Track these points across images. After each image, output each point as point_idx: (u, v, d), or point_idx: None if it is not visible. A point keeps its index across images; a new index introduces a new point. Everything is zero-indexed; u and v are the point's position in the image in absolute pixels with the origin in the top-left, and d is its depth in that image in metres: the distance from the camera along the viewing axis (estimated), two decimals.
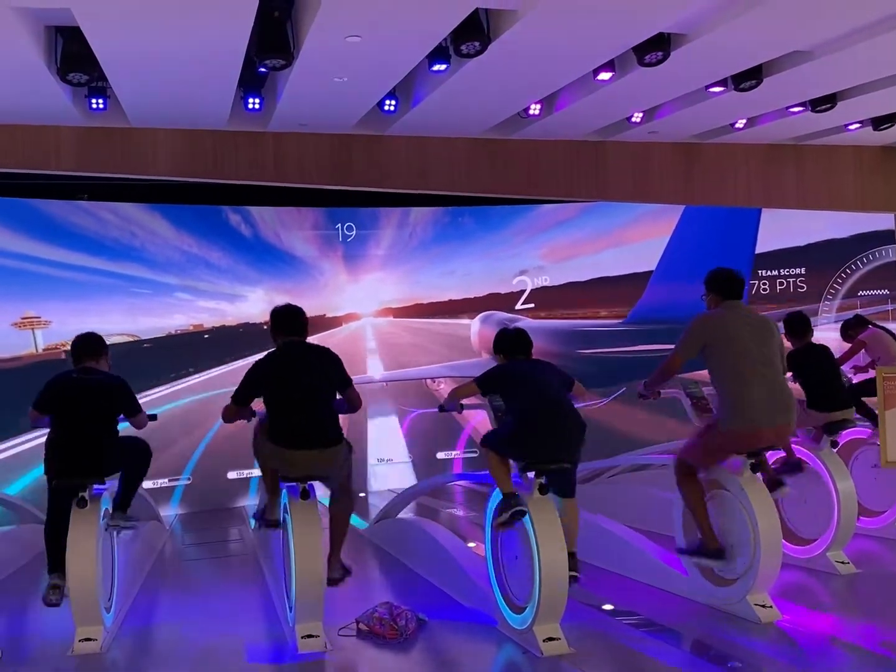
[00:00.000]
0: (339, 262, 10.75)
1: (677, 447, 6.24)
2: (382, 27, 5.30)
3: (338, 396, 5.24)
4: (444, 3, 5.01)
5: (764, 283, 11.36)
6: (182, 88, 6.34)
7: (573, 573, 4.82)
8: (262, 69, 5.74)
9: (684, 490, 5.38)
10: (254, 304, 10.32)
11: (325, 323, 10.71)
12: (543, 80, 6.65)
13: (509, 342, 5.25)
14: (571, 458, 4.95)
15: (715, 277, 5.44)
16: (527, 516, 4.78)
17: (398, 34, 5.42)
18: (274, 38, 5.51)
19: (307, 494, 5.03)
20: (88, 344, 5.51)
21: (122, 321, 9.76)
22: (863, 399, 7.03)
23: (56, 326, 9.37)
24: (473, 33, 5.50)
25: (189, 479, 9.72)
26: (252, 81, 6.68)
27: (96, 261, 9.56)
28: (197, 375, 10.00)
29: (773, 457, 6.34)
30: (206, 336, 10.12)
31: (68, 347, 9.31)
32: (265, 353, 5.29)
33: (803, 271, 11.36)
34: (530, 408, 4.90)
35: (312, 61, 5.79)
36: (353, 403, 5.29)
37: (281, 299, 10.61)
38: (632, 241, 11.46)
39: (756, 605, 5.13)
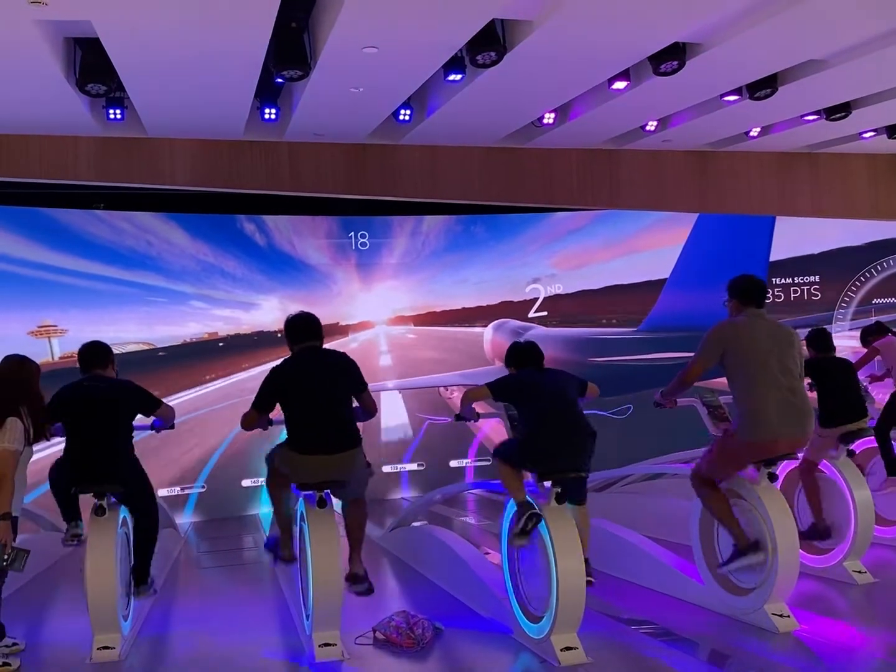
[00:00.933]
0: (353, 271, 10.79)
1: (692, 455, 6.24)
2: (399, 38, 5.33)
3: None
4: (461, 14, 5.03)
5: (778, 291, 11.34)
6: (199, 99, 6.38)
7: (588, 578, 4.82)
8: (280, 80, 5.76)
9: (707, 502, 5.35)
10: (268, 312, 10.37)
11: (339, 331, 10.75)
12: (558, 90, 6.66)
13: (520, 355, 5.27)
14: (585, 467, 4.97)
15: (738, 284, 5.38)
16: (544, 526, 4.79)
17: (415, 45, 5.45)
18: (291, 49, 5.55)
19: (324, 503, 5.04)
20: (96, 353, 5.49)
21: (138, 329, 9.82)
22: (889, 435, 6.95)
23: (72, 335, 9.42)
24: (489, 43, 5.52)
25: (203, 486, 9.75)
26: (268, 91, 6.72)
27: (112, 270, 9.62)
28: (212, 384, 10.04)
29: (785, 468, 6.36)
30: (220, 344, 10.17)
31: None
32: (282, 359, 5.35)
33: (817, 279, 11.34)
34: (543, 418, 4.91)
35: (329, 72, 5.83)
36: (368, 408, 5.31)
37: (295, 307, 10.60)
38: (645, 248, 11.46)
39: (774, 614, 5.10)
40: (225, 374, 10.10)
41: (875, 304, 11.26)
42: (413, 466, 10.70)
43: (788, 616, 5.12)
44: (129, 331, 9.77)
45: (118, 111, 6.66)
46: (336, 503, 5.23)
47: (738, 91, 6.92)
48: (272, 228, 10.37)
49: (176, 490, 9.66)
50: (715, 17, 5.44)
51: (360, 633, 5.28)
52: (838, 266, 11.31)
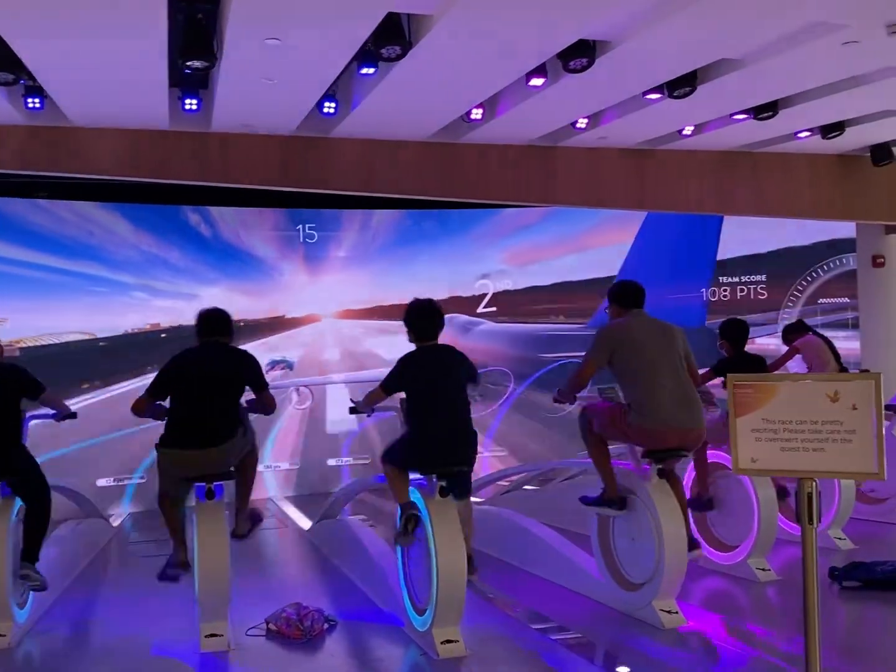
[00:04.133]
0: (300, 263, 10.79)
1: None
2: (298, 30, 5.32)
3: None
4: (356, 7, 5.02)
5: (724, 290, 11.37)
6: (114, 89, 6.35)
7: (470, 577, 4.85)
8: (187, 71, 5.75)
9: (588, 440, 5.49)
10: (211, 303, 10.07)
11: (285, 323, 10.75)
12: (474, 85, 6.64)
13: (421, 316, 5.15)
14: (469, 462, 5.00)
15: (616, 290, 5.60)
16: (426, 519, 4.81)
17: (316, 38, 5.43)
18: (196, 40, 5.54)
19: (212, 494, 5.07)
20: None
21: (78, 319, 9.80)
22: None
23: (11, 324, 9.41)
24: (393, 37, 5.52)
25: (143, 476, 9.73)
26: (189, 82, 6.71)
27: (52, 259, 9.60)
28: (153, 374, 10.00)
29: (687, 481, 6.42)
30: (162, 335, 10.15)
31: (23, 344, 9.50)
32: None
33: (764, 278, 11.37)
34: (428, 412, 4.92)
35: (236, 63, 5.82)
36: (265, 406, 5.36)
37: (240, 299, 10.75)
38: (594, 245, 11.50)
39: (661, 610, 5.14)
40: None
41: (821, 303, 11.30)
42: (358, 459, 10.70)
43: (676, 612, 5.16)
44: (70, 320, 9.77)
45: (36, 100, 6.62)
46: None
47: (659, 89, 6.91)
48: (218, 219, 10.36)
49: (113, 480, 9.66)
50: (618, 14, 5.43)
51: (254, 625, 5.31)
52: (785, 265, 11.33)
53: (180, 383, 5.10)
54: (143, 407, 5.22)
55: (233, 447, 5.10)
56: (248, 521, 5.41)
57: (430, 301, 5.31)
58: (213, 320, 5.31)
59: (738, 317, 7.40)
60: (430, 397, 4.96)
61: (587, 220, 11.30)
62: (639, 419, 5.14)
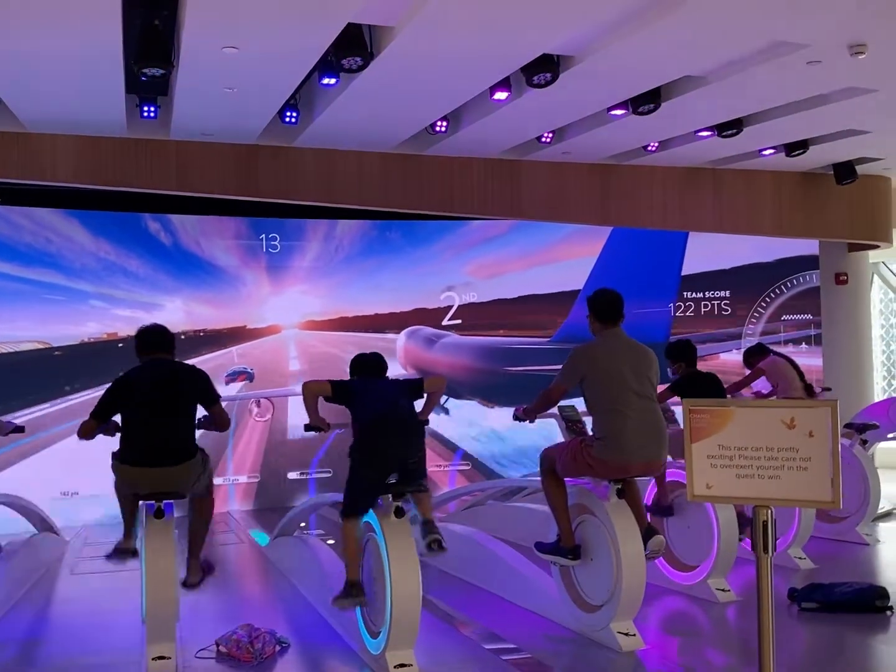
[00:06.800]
0: (263, 273, 10.65)
1: None
2: (256, 39, 5.23)
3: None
4: (315, 18, 4.94)
5: (689, 305, 11.38)
6: (70, 95, 6.22)
7: (435, 536, 4.77)
8: (143, 78, 5.63)
9: (547, 486, 5.38)
10: (171, 313, 10.16)
11: (247, 334, 10.61)
12: (437, 98, 6.58)
13: (364, 365, 5.19)
14: (415, 459, 4.89)
15: (595, 302, 5.36)
16: (381, 539, 4.71)
17: (275, 47, 5.34)
18: (152, 47, 5.42)
19: (161, 514, 4.94)
20: None
21: (33, 327, 9.61)
22: None
23: None
24: (354, 48, 5.44)
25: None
26: (147, 89, 6.58)
27: (7, 266, 9.40)
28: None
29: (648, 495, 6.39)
30: (120, 345, 9.97)
31: None
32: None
33: (728, 294, 11.40)
34: (373, 425, 4.81)
35: (193, 71, 5.71)
36: (218, 421, 5.24)
37: (200, 309, 10.61)
38: (560, 259, 11.47)
39: (619, 632, 5.07)
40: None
41: (784, 320, 11.34)
42: (320, 473, 10.56)
43: (634, 635, 5.09)
44: (25, 329, 9.57)
45: None
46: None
47: (624, 105, 6.89)
48: (178, 228, 10.20)
49: (72, 493, 9.44)
50: (582, 30, 5.40)
51: (204, 646, 5.18)
52: (749, 282, 11.37)
53: (127, 404, 4.97)
54: (90, 431, 5.08)
55: (190, 469, 4.97)
56: (200, 570, 5.26)
57: (372, 352, 5.30)
58: (153, 336, 5.17)
59: (681, 337, 7.48)
60: (374, 412, 4.83)
61: (553, 233, 11.27)
62: (604, 453, 5.06)
